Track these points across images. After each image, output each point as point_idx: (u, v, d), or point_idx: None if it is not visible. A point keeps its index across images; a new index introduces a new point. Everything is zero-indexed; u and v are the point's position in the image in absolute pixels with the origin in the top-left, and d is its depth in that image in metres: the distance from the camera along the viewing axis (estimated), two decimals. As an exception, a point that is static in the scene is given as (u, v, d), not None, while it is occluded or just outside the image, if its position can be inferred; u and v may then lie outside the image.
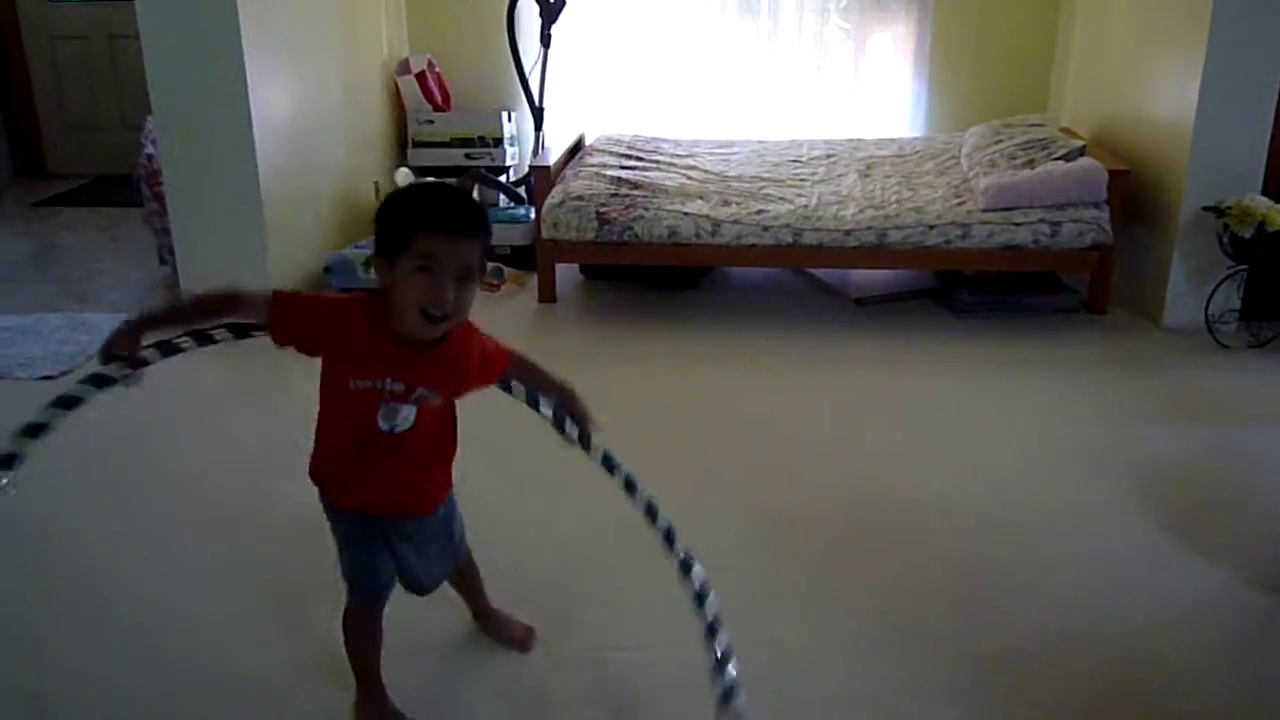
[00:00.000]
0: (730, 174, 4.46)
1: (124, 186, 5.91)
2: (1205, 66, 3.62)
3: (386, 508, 1.82)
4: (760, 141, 4.97)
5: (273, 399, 3.34)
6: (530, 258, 4.63)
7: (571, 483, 2.22)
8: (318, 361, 1.71)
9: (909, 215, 3.96)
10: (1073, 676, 2.10)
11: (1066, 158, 4.05)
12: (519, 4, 4.95)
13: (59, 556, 2.53)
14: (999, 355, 3.77)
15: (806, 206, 4.05)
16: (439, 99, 5.28)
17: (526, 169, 5.23)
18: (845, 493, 2.82)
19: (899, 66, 5.32)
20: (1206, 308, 3.80)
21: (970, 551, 2.54)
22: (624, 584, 2.38)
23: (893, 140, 4.97)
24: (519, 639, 2.18)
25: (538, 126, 5.11)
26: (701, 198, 4.15)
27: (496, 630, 2.20)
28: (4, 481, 1.57)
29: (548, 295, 4.28)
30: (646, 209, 4.04)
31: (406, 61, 5.24)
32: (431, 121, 5.21)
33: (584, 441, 1.78)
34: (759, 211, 4.01)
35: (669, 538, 1.72)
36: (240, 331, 1.70)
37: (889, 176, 4.44)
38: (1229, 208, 3.61)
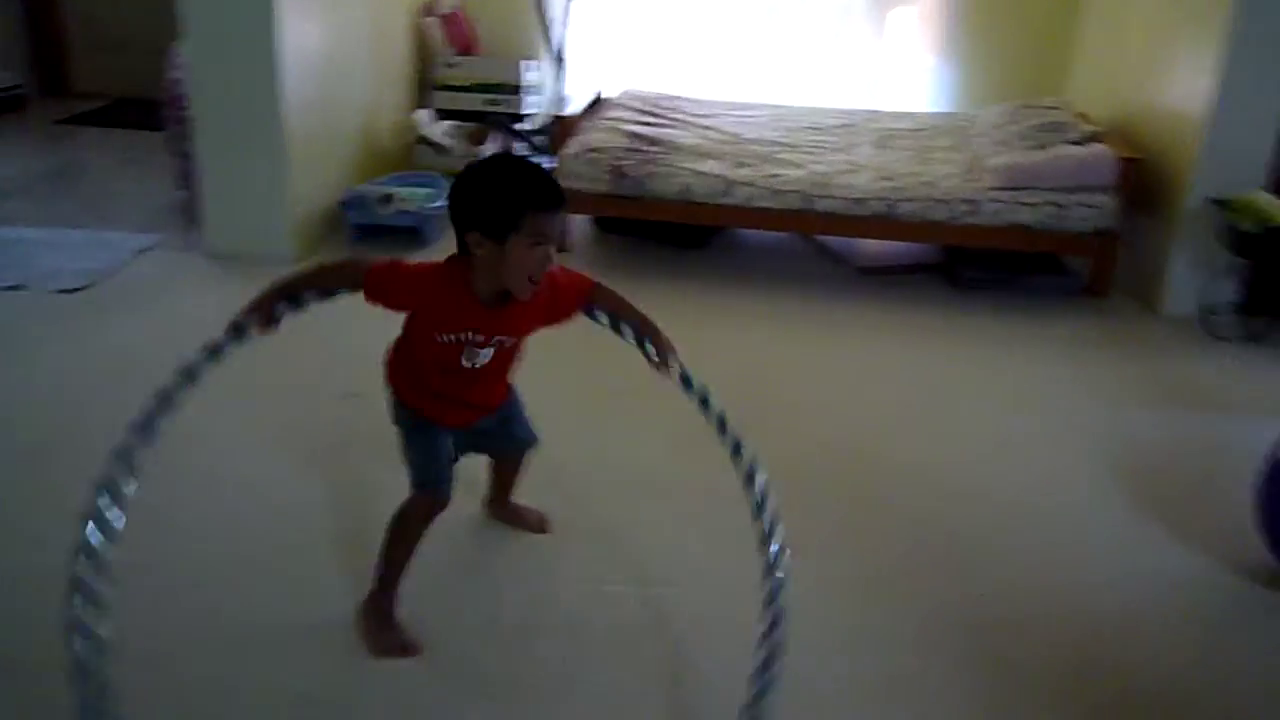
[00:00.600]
0: (747, 136, 4.52)
1: (144, 109, 5.97)
2: (1221, 61, 3.67)
3: (457, 421, 2.06)
4: (778, 106, 5.02)
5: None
6: (545, 207, 4.70)
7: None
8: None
9: (920, 188, 4.02)
10: (1052, 645, 2.20)
11: (1079, 142, 4.10)
12: (548, -47, 4.99)
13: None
14: (997, 331, 3.85)
15: (820, 173, 4.11)
16: (463, 43, 5.32)
17: (545, 119, 5.30)
18: (839, 454, 2.91)
19: (921, 41, 5.35)
20: (1205, 299, 3.87)
21: (957, 519, 2.63)
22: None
23: (910, 114, 5.02)
24: (534, 523, 2.42)
25: (558, 77, 5.15)
26: (716, 158, 4.21)
27: (512, 516, 2.42)
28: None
29: (561, 245, 4.33)
30: (661, 165, 4.11)
31: (433, 3, 5.27)
32: (454, 65, 5.25)
33: (663, 360, 1.97)
34: (772, 175, 4.07)
35: (736, 450, 1.88)
36: (328, 293, 1.92)
37: (904, 149, 4.50)
38: (1234, 202, 3.67)
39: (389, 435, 2.10)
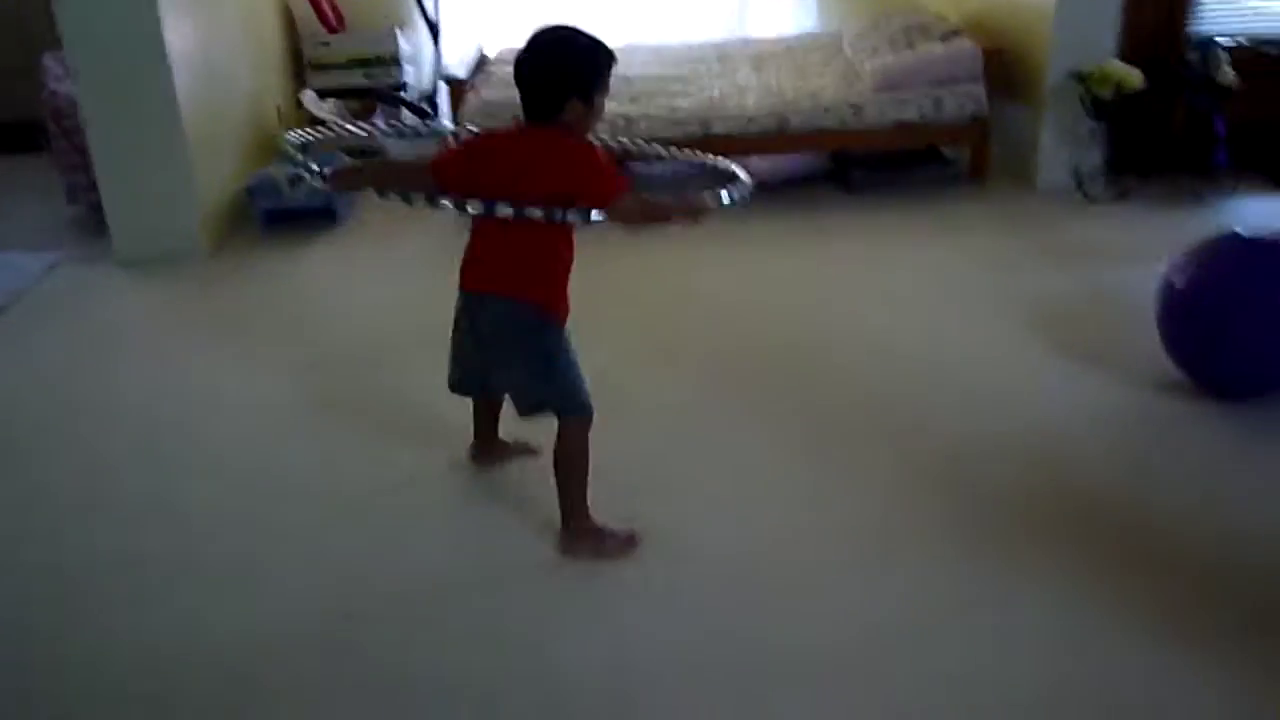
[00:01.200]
0: (632, 75, 4.67)
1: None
2: (1063, -53, 3.99)
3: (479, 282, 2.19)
4: (656, 46, 5.18)
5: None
6: (446, 169, 4.78)
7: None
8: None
9: (805, 101, 4.26)
10: (1001, 473, 2.47)
11: (943, 39, 4.39)
12: (407, -81, 5.01)
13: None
14: (893, 223, 4.13)
15: (711, 99, 4.30)
16: (333, 20, 5.32)
17: (427, 86, 5.34)
18: (780, 344, 3.15)
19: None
20: (1074, 168, 4.22)
21: (892, 380, 2.94)
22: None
23: (778, 38, 5.25)
24: (522, 450, 2.50)
25: (435, 42, 5.20)
26: (611, 98, 4.34)
27: (502, 451, 2.52)
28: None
29: (470, 202, 4.44)
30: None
31: (297, -16, 5.25)
32: (327, 44, 5.25)
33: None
34: (668, 107, 4.25)
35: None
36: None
37: (780, 69, 4.72)
38: (1090, 73, 4.01)
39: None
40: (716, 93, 4.37)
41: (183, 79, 3.92)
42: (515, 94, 4.24)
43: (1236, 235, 2.80)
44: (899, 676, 1.89)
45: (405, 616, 2.09)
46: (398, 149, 4.84)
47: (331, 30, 5.29)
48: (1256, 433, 2.60)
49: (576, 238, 2.15)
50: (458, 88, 4.38)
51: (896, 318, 3.34)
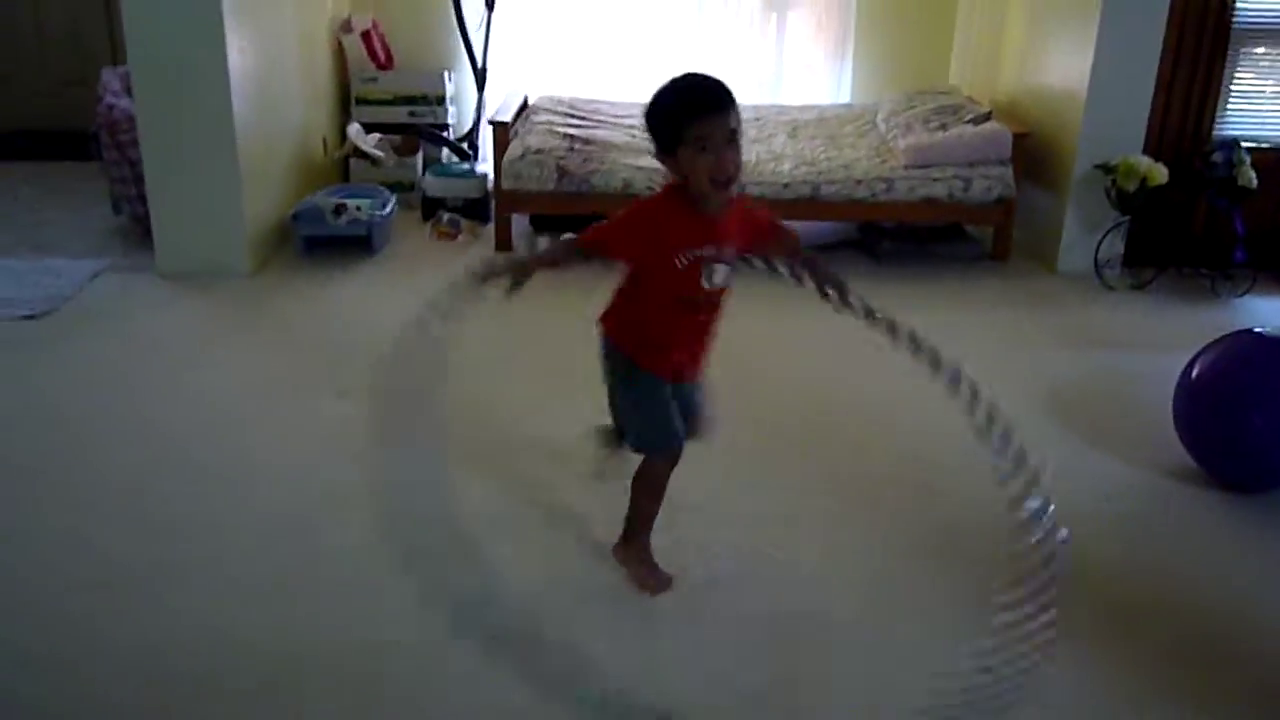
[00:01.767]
0: (671, 133, 4.81)
1: (45, 140, 5.96)
2: (1097, 41, 4.14)
3: (689, 369, 2.22)
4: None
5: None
6: (482, 210, 4.91)
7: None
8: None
9: (839, 171, 4.39)
10: (1004, 539, 2.54)
11: (975, 121, 4.54)
12: (463, -32, 5.18)
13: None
14: (916, 295, 4.22)
15: (746, 162, 4.42)
16: (382, 58, 5.47)
17: (468, 127, 5.49)
18: (796, 405, 3.23)
19: (815, 40, 5.74)
20: (1095, 254, 4.34)
21: (906, 450, 3.00)
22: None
23: (814, 106, 5.40)
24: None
25: (480, 87, 5.35)
26: (650, 154, 4.48)
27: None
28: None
29: (505, 243, 4.57)
30: (602, 162, 4.37)
31: (349, 20, 5.41)
32: (375, 80, 5.40)
33: (843, 298, 2.24)
34: (705, 167, 4.37)
35: (954, 379, 2.19)
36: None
37: (814, 138, 4.86)
38: (1116, 166, 4.14)
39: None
40: (753, 157, 4.51)
41: (240, 103, 4.05)
42: (554, 141, 4.47)
43: (1255, 332, 2.90)
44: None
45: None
46: (435, 187, 4.98)
47: (380, 67, 5.44)
48: (1267, 524, 2.68)
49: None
50: (501, 132, 4.51)
51: (912, 387, 3.41)
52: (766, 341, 3.66)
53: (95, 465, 2.82)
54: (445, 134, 5.43)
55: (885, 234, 4.65)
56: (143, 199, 4.29)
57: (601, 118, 5.00)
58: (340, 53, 5.42)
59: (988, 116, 4.60)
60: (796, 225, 4.71)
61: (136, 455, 2.88)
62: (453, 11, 5.23)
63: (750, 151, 4.61)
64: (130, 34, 3.93)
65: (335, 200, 4.39)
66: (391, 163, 5.17)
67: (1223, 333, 2.89)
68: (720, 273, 2.08)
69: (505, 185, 4.41)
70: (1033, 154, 4.55)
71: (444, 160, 5.36)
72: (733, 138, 1.97)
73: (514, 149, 4.42)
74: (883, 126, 4.88)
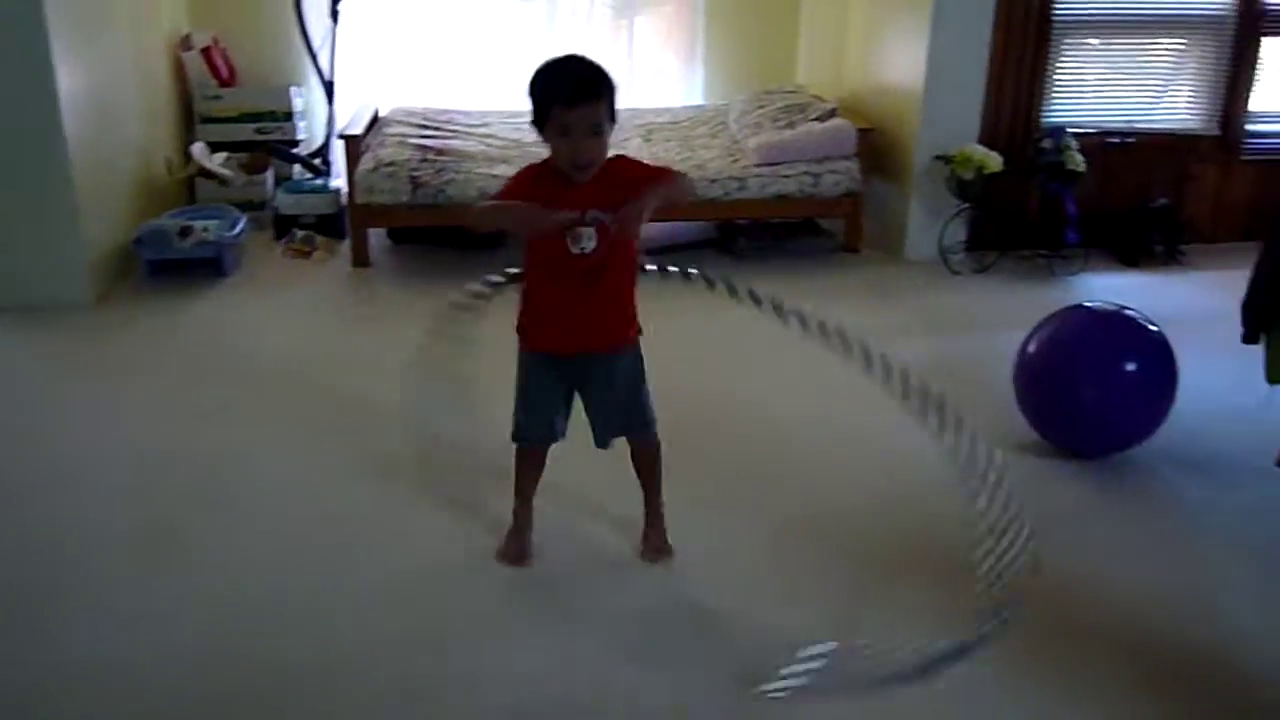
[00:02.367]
0: (526, 141, 4.79)
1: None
2: (930, 38, 4.32)
3: (581, 342, 2.26)
4: (547, 111, 5.33)
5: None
6: (337, 226, 4.83)
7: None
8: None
9: (692, 172, 4.44)
10: (861, 522, 2.64)
11: (821, 118, 4.68)
12: (305, -19, 5.09)
13: None
14: (773, 288, 4.22)
15: (601, 166, 4.46)
16: (225, 74, 5.33)
17: (319, 142, 5.39)
18: (675, 401, 3.27)
19: (669, 42, 5.83)
20: (940, 242, 4.52)
21: (771, 441, 3.09)
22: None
23: (666, 109, 5.47)
24: (651, 550, 2.47)
25: (330, 100, 5.26)
26: (505, 162, 4.49)
27: (646, 541, 2.48)
28: None
29: (362, 259, 4.50)
30: (457, 172, 4.35)
31: (189, 37, 5.25)
32: (219, 97, 5.25)
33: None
34: (560, 172, 4.39)
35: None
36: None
37: (668, 140, 4.94)
38: (954, 156, 4.32)
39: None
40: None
41: (73, 126, 3.89)
42: (407, 153, 4.42)
43: (1085, 307, 3.08)
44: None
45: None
46: (288, 204, 4.87)
47: (224, 84, 5.30)
48: (1103, 489, 2.83)
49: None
50: (352, 145, 4.44)
51: (767, 378, 3.52)
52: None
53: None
54: (296, 150, 5.32)
55: (741, 232, 4.76)
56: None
57: (455, 127, 4.97)
58: (181, 71, 5.26)
59: (833, 113, 4.74)
60: (654, 227, 4.86)
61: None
62: (296, 26, 5.14)
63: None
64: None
65: (181, 222, 4.26)
66: (240, 181, 5.04)
67: (1056, 309, 3.05)
68: (586, 237, 2.12)
69: (359, 199, 4.35)
70: (877, 148, 4.72)
71: (295, 177, 5.25)
72: (597, 130, 2.06)
73: (366, 162, 4.36)
74: (734, 126, 4.98)
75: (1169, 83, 4.91)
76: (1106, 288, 4.37)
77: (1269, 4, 4.72)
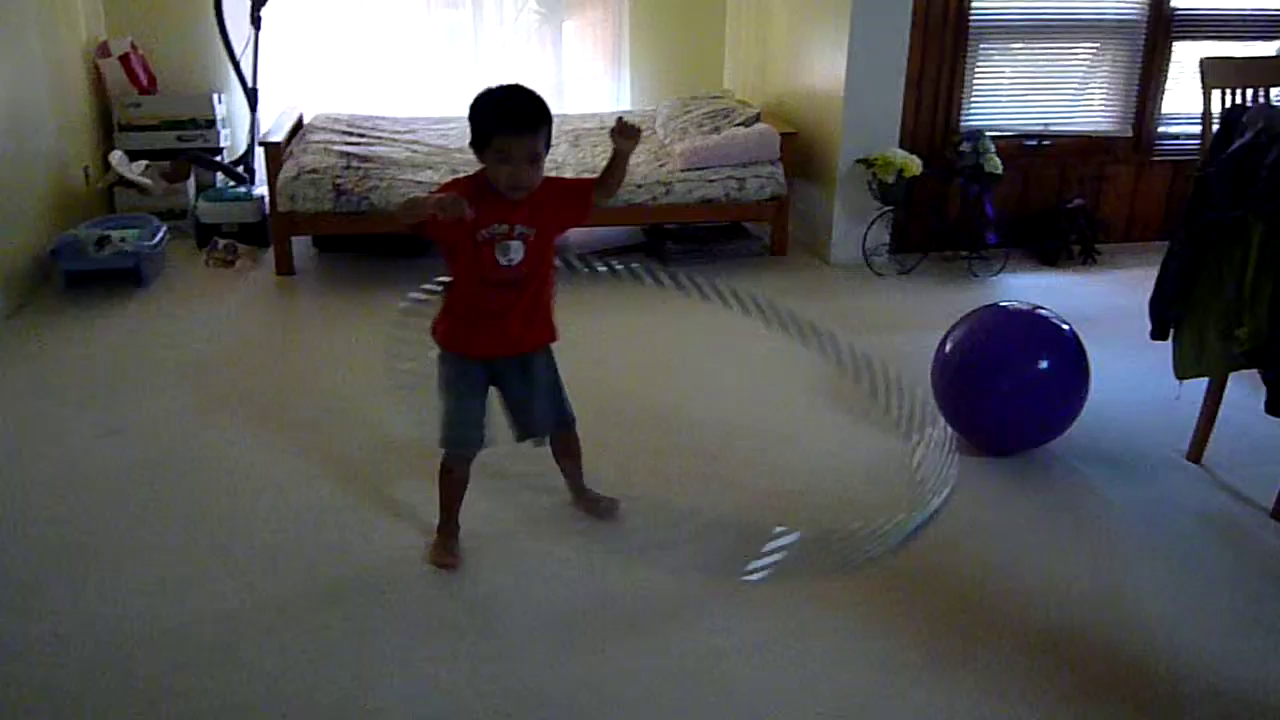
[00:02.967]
0: (452, 147, 4.80)
1: None
2: (849, 43, 4.38)
3: (504, 346, 2.36)
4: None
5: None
6: (260, 234, 4.77)
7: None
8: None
9: (619, 177, 4.47)
10: (782, 520, 2.67)
11: (745, 124, 4.72)
12: (225, -13, 5.01)
13: None
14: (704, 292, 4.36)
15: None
16: (144, 81, 5.23)
17: (242, 149, 5.32)
18: (598, 407, 3.28)
19: (596, 49, 5.84)
20: (863, 244, 4.58)
21: (692, 444, 3.10)
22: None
23: (594, 115, 5.48)
24: (604, 510, 2.66)
25: (253, 107, 5.19)
26: (431, 168, 4.47)
27: (586, 505, 2.67)
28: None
29: (286, 267, 4.45)
30: (380, 179, 4.32)
31: (106, 44, 5.15)
32: (139, 105, 5.16)
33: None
34: (486, 179, 4.38)
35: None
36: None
37: (595, 145, 4.94)
38: (875, 160, 4.39)
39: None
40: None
41: (-21, 137, 3.80)
42: (330, 160, 4.38)
43: (998, 306, 3.14)
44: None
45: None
46: (209, 213, 4.80)
47: (144, 91, 5.20)
48: (1017, 483, 2.89)
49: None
50: (274, 152, 4.39)
51: (693, 380, 3.55)
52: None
53: None
54: (218, 158, 5.24)
55: (669, 236, 4.78)
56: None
57: (380, 134, 4.93)
58: (99, 78, 5.15)
59: (757, 118, 4.79)
60: (581, 232, 4.89)
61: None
62: (218, 32, 5.06)
63: (532, 162, 4.65)
64: None
65: (98, 232, 4.17)
66: (160, 190, 4.95)
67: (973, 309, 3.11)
68: (514, 249, 2.24)
69: (281, 207, 4.30)
70: (801, 152, 4.77)
71: (218, 185, 5.17)
72: (535, 158, 2.20)
73: (288, 169, 4.31)
74: (661, 132, 5.01)
75: (1084, 86, 5.02)
76: (1025, 287, 4.47)
77: (1178, 9, 4.85)
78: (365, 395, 3.32)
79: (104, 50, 5.12)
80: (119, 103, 5.14)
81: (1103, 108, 5.03)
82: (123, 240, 4.16)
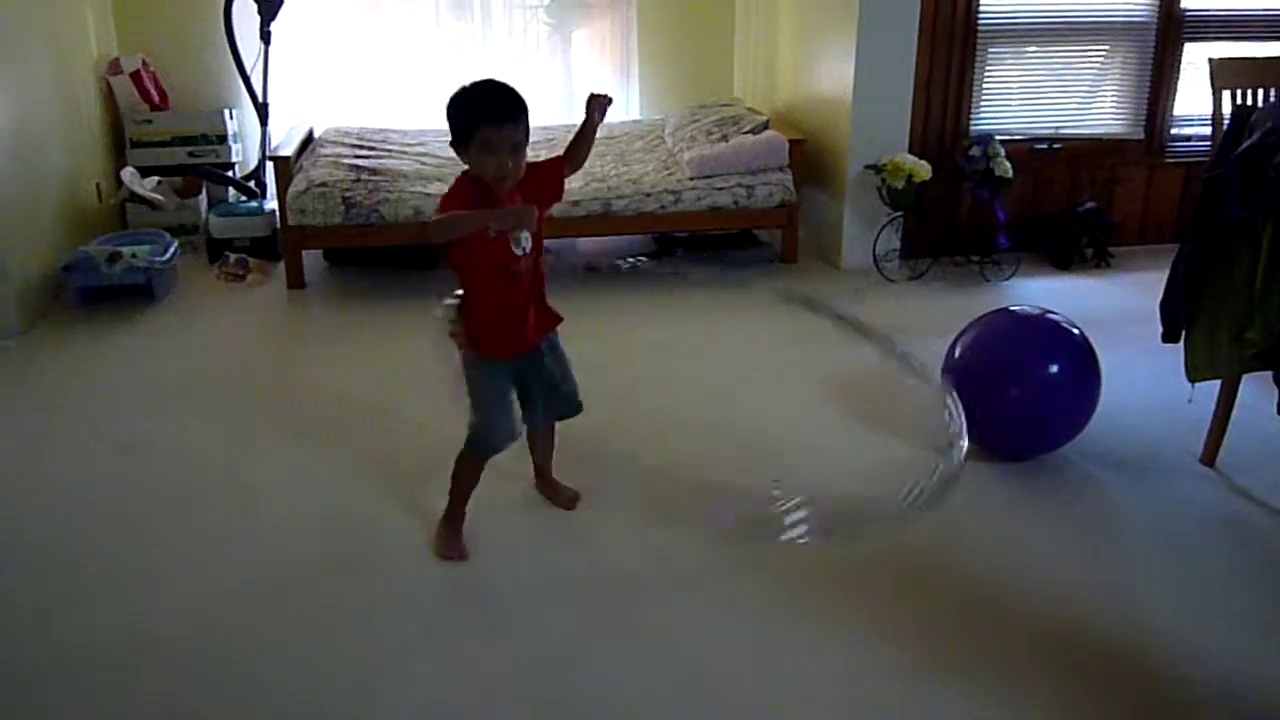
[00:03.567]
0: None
1: None
2: (857, 49, 4.37)
3: (538, 331, 2.44)
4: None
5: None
6: (272, 249, 4.79)
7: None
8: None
9: (627, 186, 4.48)
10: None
11: (754, 131, 4.71)
12: (235, 2, 5.03)
13: None
14: (711, 299, 4.37)
15: (536, 182, 4.47)
16: (156, 98, 5.27)
17: (254, 164, 5.35)
18: (606, 412, 3.28)
19: (604, 59, 5.85)
20: (873, 250, 4.56)
21: (709, 451, 3.08)
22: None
23: (603, 124, 5.46)
24: (565, 500, 2.74)
25: (263, 122, 5.22)
26: (440, 180, 4.47)
27: (550, 491, 2.76)
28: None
29: (297, 281, 4.47)
30: (390, 192, 4.33)
31: (118, 61, 5.18)
32: (150, 121, 5.19)
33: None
34: (495, 189, 4.39)
35: None
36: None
37: (604, 155, 4.94)
38: (885, 165, 4.37)
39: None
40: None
41: (-6, 156, 3.82)
42: (340, 173, 4.40)
43: (1009, 310, 3.12)
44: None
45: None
46: (220, 228, 4.82)
47: (155, 108, 5.24)
48: (1028, 488, 2.87)
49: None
50: (283, 167, 4.41)
51: (708, 389, 3.53)
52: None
53: None
54: (230, 173, 5.27)
55: (679, 243, 4.78)
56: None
57: (390, 147, 4.95)
58: (110, 95, 5.19)
59: (766, 125, 4.78)
60: (591, 241, 4.89)
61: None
62: (228, 48, 5.09)
63: (540, 172, 4.65)
64: None
65: (110, 248, 4.19)
66: (172, 206, 4.98)
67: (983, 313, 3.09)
68: (525, 238, 2.31)
69: (291, 221, 4.31)
70: (811, 159, 4.76)
71: (230, 200, 5.20)
72: (517, 148, 2.23)
73: (298, 183, 4.33)
74: (669, 141, 5.01)
75: (1094, 89, 5.00)
76: (1037, 291, 4.44)
77: (1189, 10, 4.82)
78: (377, 407, 3.33)
79: (115, 68, 5.16)
80: (130, 119, 5.18)
81: (1114, 110, 5.00)
82: (134, 256, 4.18)
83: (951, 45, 4.61)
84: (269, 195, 5.14)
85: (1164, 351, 2.93)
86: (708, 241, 4.80)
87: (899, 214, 4.52)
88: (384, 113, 5.55)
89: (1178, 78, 4.94)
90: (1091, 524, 2.74)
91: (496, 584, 2.46)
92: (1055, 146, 4.85)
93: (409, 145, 5.01)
